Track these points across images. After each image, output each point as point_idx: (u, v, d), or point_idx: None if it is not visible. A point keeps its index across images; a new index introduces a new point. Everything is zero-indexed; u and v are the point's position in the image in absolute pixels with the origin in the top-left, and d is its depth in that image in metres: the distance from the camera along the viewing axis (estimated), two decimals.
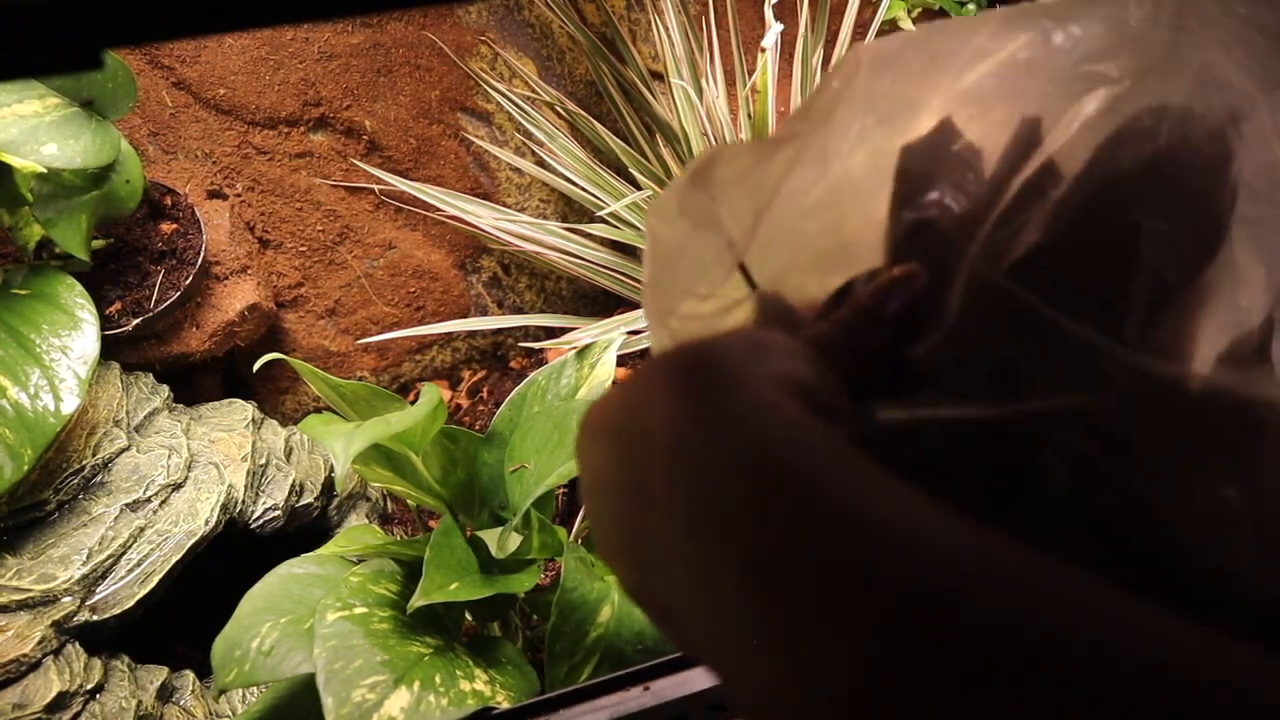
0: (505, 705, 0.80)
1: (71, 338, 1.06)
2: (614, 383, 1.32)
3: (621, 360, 1.44)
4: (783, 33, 1.40)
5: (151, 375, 1.29)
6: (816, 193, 0.31)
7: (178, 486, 1.16)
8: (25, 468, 0.98)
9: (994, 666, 0.17)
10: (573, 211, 1.64)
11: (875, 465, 0.21)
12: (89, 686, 1.05)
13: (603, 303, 1.73)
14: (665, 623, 0.25)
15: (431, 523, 1.45)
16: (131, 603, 1.08)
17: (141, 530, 1.11)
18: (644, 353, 1.52)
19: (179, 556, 1.11)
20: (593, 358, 1.07)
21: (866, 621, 0.18)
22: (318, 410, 1.48)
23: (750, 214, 0.31)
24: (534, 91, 1.53)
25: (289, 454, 1.32)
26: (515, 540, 0.95)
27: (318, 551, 0.97)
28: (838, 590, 0.19)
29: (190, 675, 1.16)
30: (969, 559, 0.19)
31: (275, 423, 1.35)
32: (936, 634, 0.18)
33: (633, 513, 0.25)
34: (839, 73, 0.30)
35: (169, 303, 1.25)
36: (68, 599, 1.06)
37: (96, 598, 1.07)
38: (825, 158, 0.30)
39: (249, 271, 1.39)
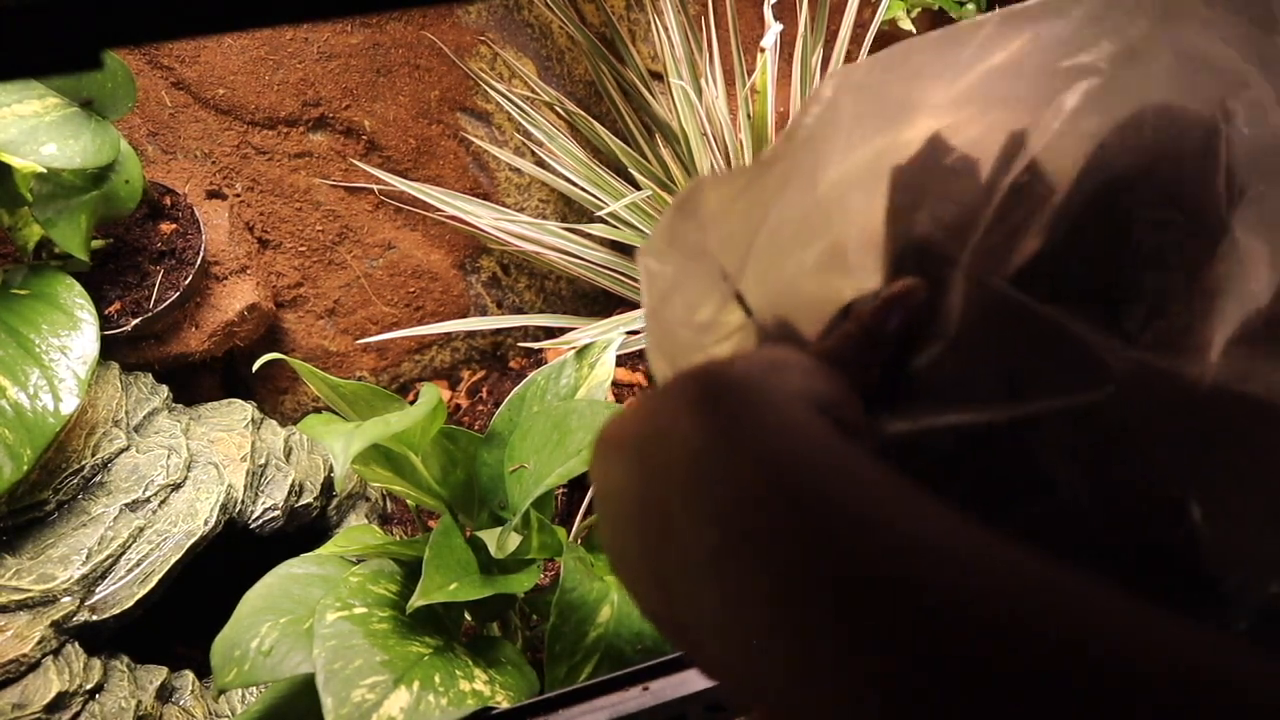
0: (505, 705, 0.80)
1: (71, 338, 1.06)
2: (615, 391, 1.32)
3: (621, 360, 1.44)
4: (782, 33, 1.40)
5: (151, 375, 1.29)
6: (807, 215, 0.31)
7: (177, 486, 1.16)
8: (25, 468, 0.98)
9: (1011, 676, 0.17)
10: (572, 211, 1.64)
11: (903, 480, 0.21)
12: (88, 686, 1.05)
13: (602, 303, 1.73)
14: (681, 639, 0.25)
15: (431, 523, 1.45)
16: (131, 603, 1.08)
17: (141, 530, 1.11)
18: (643, 353, 1.52)
19: (178, 556, 1.11)
20: (592, 358, 1.07)
21: (893, 633, 0.18)
22: (317, 410, 1.48)
23: (741, 241, 0.31)
24: (533, 91, 1.53)
25: (288, 454, 1.32)
26: (515, 540, 0.95)
27: (317, 551, 0.97)
28: (865, 605, 0.19)
29: (190, 675, 1.16)
30: (1002, 572, 0.19)
31: (275, 423, 1.35)
32: (965, 646, 0.18)
33: (650, 528, 0.25)
34: (817, 99, 0.30)
35: (168, 303, 1.25)
36: (67, 599, 1.06)
37: (96, 598, 1.07)
38: (813, 180, 0.30)
39: (248, 271, 1.39)
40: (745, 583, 0.21)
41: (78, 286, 1.11)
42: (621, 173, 1.51)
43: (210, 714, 1.15)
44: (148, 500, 1.13)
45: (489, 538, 0.95)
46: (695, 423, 0.24)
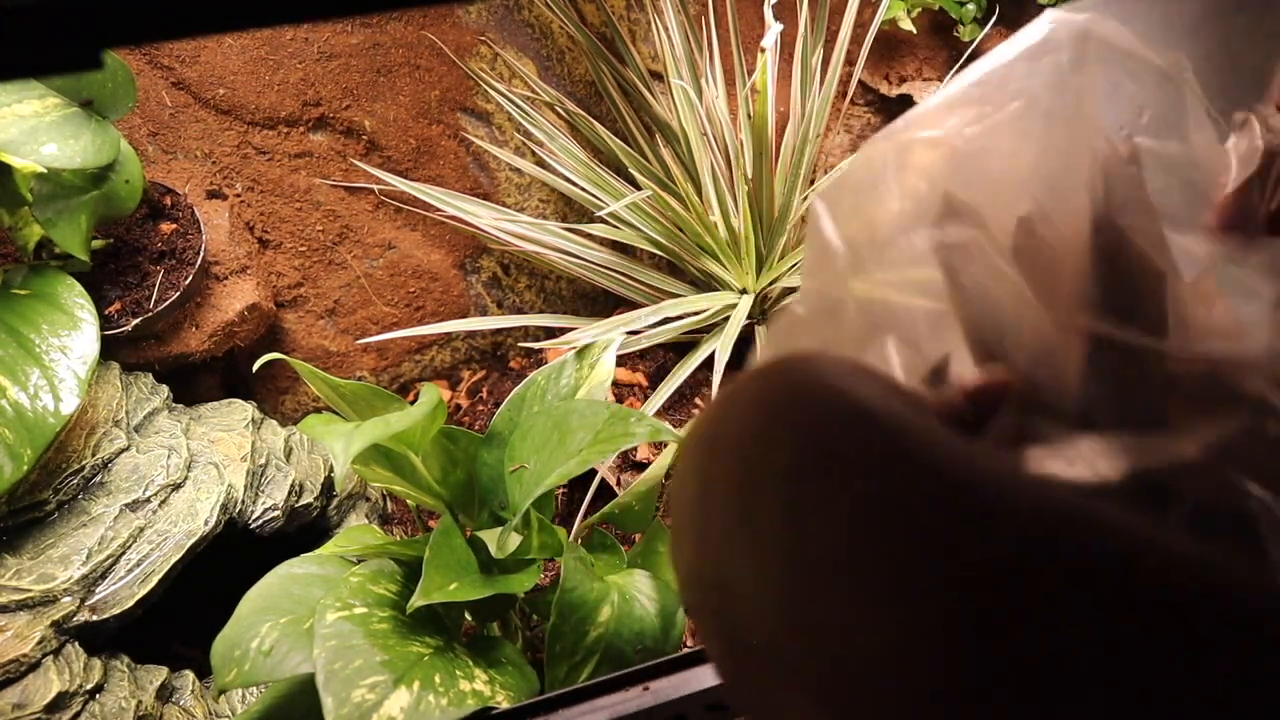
0: (505, 705, 0.80)
1: (71, 338, 1.06)
2: (615, 391, 1.32)
3: (621, 360, 1.44)
4: (783, 33, 1.40)
5: (151, 375, 1.29)
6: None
7: (177, 486, 1.16)
8: (25, 468, 0.98)
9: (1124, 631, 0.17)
10: (572, 211, 1.64)
11: (975, 438, 0.21)
12: (89, 686, 1.05)
13: (602, 303, 1.73)
14: (714, 599, 0.25)
15: (431, 523, 1.45)
16: (131, 603, 1.08)
17: (141, 530, 1.11)
18: (644, 353, 1.52)
19: (178, 556, 1.11)
20: (592, 358, 1.07)
21: (979, 587, 0.18)
22: (317, 410, 1.48)
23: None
24: (534, 91, 1.53)
25: (289, 454, 1.32)
26: (515, 540, 0.95)
27: (317, 551, 0.97)
28: (944, 547, 0.19)
29: (190, 675, 1.16)
30: (1095, 521, 0.18)
31: (275, 423, 1.35)
32: (1063, 606, 0.17)
33: (710, 493, 0.25)
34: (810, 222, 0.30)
35: (168, 303, 1.25)
36: (67, 599, 1.06)
37: (96, 598, 1.07)
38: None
39: (248, 271, 1.39)
40: (808, 533, 0.21)
41: (78, 286, 1.11)
42: (621, 173, 1.51)
43: (210, 714, 1.15)
44: (148, 500, 1.13)
45: (489, 538, 0.95)
46: (759, 388, 0.25)
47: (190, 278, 1.28)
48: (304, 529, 1.32)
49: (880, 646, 0.20)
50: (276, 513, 1.24)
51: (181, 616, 1.18)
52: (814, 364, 0.24)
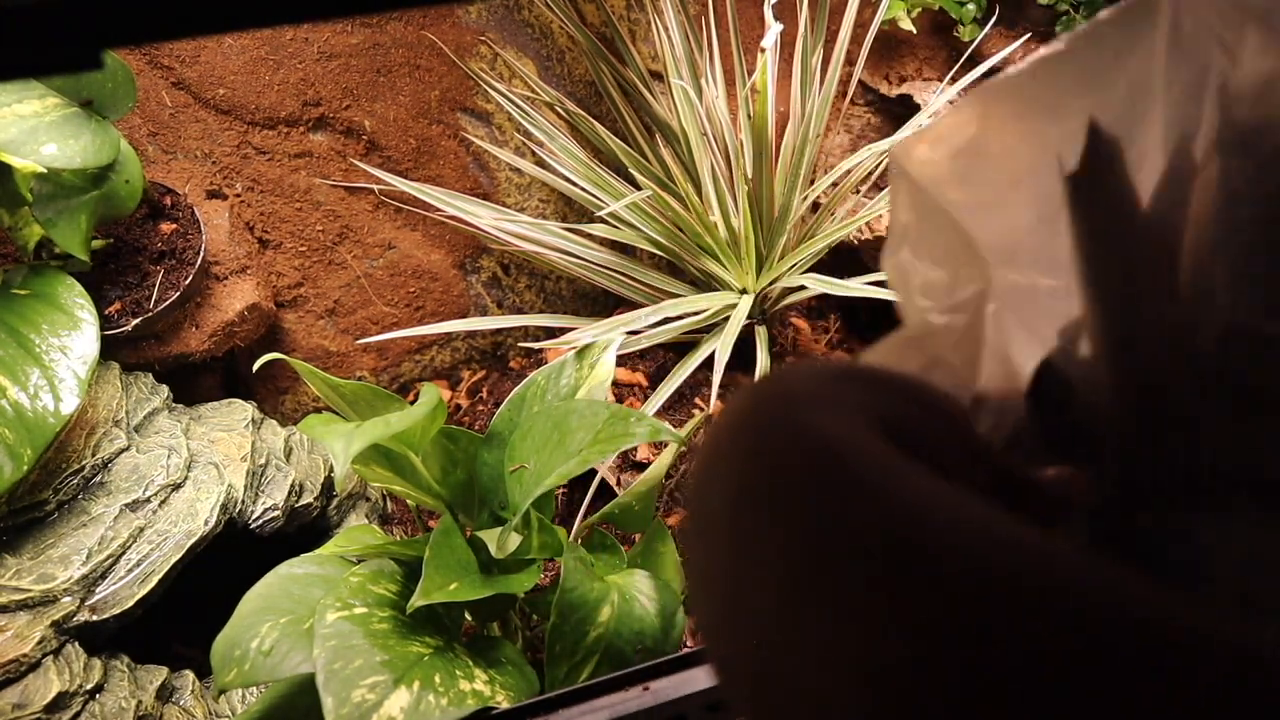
0: (505, 705, 0.80)
1: (71, 338, 1.06)
2: (615, 391, 1.32)
3: (621, 360, 1.44)
4: (783, 33, 1.40)
5: (151, 375, 1.29)
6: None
7: (177, 486, 1.16)
8: (25, 468, 0.98)
9: (1047, 659, 0.17)
10: (572, 211, 1.64)
11: (931, 473, 0.21)
12: (89, 686, 1.05)
13: (602, 303, 1.73)
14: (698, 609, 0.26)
15: (431, 523, 1.45)
16: (131, 603, 1.08)
17: (141, 530, 1.11)
18: (644, 353, 1.52)
19: (178, 556, 1.11)
20: (592, 358, 1.07)
21: (922, 610, 0.18)
22: (317, 410, 1.47)
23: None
24: (534, 91, 1.53)
25: (289, 454, 1.32)
26: (515, 540, 0.95)
27: (317, 551, 0.97)
28: (887, 577, 0.19)
29: (190, 675, 1.16)
30: (1030, 554, 0.18)
31: (275, 423, 1.35)
32: (993, 626, 0.18)
33: (695, 506, 0.26)
34: (892, 181, 0.31)
35: (168, 303, 1.25)
36: (67, 599, 1.06)
37: (96, 598, 1.07)
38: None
39: (248, 271, 1.39)
40: (763, 560, 0.21)
41: (78, 286, 1.11)
42: (621, 173, 1.51)
43: (210, 714, 1.15)
44: (148, 500, 1.13)
45: (489, 538, 0.95)
46: (734, 406, 0.25)
47: (190, 278, 1.28)
48: (304, 529, 1.32)
49: (808, 679, 0.20)
50: (276, 513, 1.24)
51: (181, 616, 1.18)
52: (785, 385, 0.25)
